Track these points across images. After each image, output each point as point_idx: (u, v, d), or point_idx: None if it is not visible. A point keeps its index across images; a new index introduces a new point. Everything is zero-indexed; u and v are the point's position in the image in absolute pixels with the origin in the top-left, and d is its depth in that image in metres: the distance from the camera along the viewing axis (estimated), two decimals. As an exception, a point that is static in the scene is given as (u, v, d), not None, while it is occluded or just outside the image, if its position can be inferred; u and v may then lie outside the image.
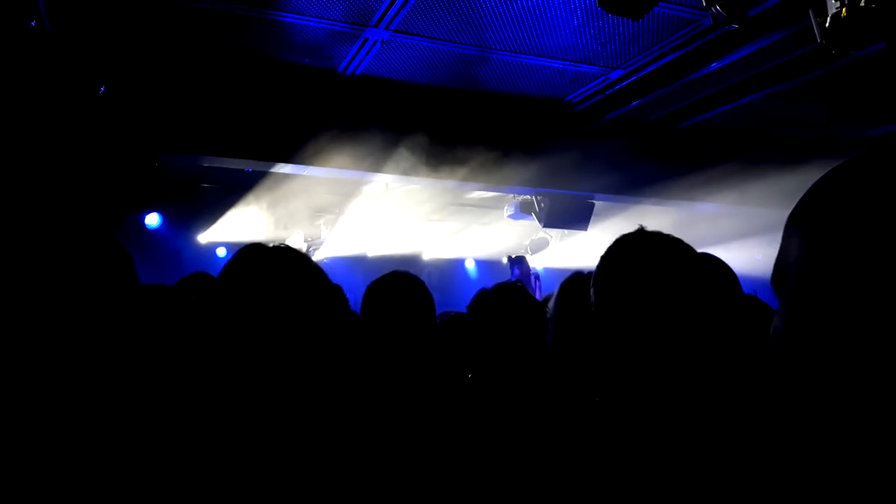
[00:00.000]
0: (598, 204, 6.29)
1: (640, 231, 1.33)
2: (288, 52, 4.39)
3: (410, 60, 4.51)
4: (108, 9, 3.77)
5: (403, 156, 5.00)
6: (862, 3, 2.89)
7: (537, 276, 8.40)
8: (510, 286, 1.99)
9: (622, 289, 1.25)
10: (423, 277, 2.02)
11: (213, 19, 3.90)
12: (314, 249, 8.24)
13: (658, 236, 1.29)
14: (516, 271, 7.89)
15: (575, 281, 1.83)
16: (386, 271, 2.03)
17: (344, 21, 3.93)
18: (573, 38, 4.17)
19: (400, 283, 1.95)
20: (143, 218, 6.53)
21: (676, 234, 1.30)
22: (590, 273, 1.36)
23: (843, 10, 2.93)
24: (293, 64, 4.55)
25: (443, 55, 4.43)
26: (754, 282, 2.20)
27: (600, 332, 1.28)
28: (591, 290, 1.31)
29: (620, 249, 1.30)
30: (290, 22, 3.95)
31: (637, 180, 5.83)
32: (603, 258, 1.31)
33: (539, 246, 9.12)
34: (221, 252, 7.93)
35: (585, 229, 6.37)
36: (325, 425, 1.72)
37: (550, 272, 9.13)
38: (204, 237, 7.45)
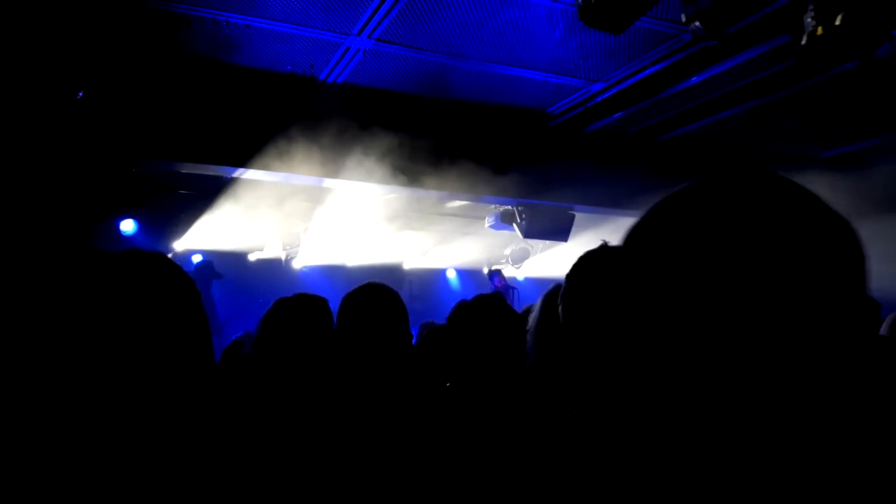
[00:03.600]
0: (578, 215, 6.32)
1: (604, 247, 1.35)
2: (269, 60, 4.36)
3: (392, 70, 4.50)
4: (87, 15, 3.70)
5: (384, 165, 4.98)
6: (837, 22, 2.94)
7: (514, 288, 8.42)
8: (490, 298, 1.98)
9: (586, 307, 1.28)
10: (404, 287, 2.02)
11: (195, 25, 3.86)
12: (292, 258, 8.16)
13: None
14: (496, 282, 7.90)
15: (557, 293, 1.82)
16: (366, 281, 2.03)
17: (326, 29, 3.91)
18: (555, 51, 4.19)
19: (373, 295, 1.95)
20: (119, 224, 6.42)
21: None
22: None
23: (819, 28, 2.99)
24: (274, 72, 4.52)
25: (425, 65, 4.43)
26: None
27: (571, 348, 1.29)
28: (560, 307, 1.32)
29: (583, 267, 1.32)
30: (272, 30, 3.92)
31: (617, 192, 5.86)
32: (568, 276, 1.34)
33: (520, 256, 9.15)
34: (197, 259, 7.82)
35: (566, 240, 6.40)
36: (297, 434, 1.68)
37: (532, 282, 9.15)
38: (180, 244, 7.35)
